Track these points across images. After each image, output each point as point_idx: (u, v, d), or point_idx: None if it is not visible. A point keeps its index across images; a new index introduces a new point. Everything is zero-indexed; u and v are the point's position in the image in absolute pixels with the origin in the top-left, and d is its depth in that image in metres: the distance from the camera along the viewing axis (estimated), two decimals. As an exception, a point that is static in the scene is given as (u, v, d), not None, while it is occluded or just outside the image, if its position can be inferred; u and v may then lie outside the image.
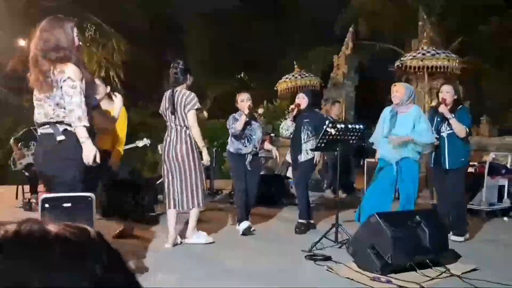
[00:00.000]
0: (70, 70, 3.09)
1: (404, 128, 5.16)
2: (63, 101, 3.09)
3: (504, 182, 7.34)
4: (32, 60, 3.18)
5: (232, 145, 5.91)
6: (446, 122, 5.40)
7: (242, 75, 20.22)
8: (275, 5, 19.03)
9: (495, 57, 13.05)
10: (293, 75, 10.17)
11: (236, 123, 5.74)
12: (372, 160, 8.37)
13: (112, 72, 13.88)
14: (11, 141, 7.81)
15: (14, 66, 13.80)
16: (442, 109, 5.33)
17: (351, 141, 5.22)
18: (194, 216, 5.01)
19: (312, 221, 5.94)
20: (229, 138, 6.00)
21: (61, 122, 3.15)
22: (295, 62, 10.64)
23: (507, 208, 7.19)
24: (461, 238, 5.29)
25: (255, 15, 18.53)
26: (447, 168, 5.43)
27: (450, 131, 5.37)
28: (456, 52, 9.31)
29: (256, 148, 5.91)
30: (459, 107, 5.48)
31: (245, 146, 5.83)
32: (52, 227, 0.69)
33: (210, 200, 8.49)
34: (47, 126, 3.20)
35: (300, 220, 5.82)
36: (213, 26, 18.99)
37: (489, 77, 13.23)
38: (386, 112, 5.39)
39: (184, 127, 4.87)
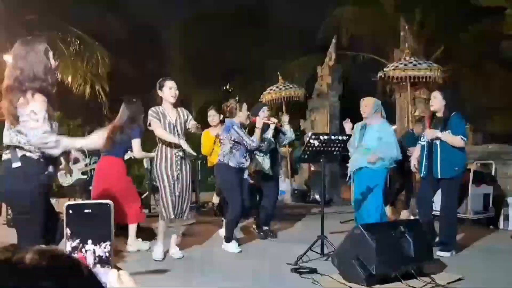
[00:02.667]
0: (35, 103, 2.99)
1: (369, 139, 5.49)
2: (24, 130, 3.00)
3: (489, 190, 7.40)
4: (6, 89, 3.07)
5: (234, 159, 5.44)
6: (440, 128, 5.18)
7: (227, 86, 20.25)
8: (255, 13, 19.13)
9: (473, 62, 13.24)
10: (277, 86, 10.20)
11: (253, 137, 5.44)
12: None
13: (97, 85, 13.80)
14: None
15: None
16: (428, 133, 5.20)
17: (335, 152, 5.24)
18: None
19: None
20: (226, 151, 5.50)
21: (20, 148, 3.07)
22: (279, 73, 10.67)
23: (492, 217, 7.24)
24: (447, 254, 5.08)
25: (236, 24, 18.60)
26: (439, 177, 5.19)
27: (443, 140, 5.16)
28: (437, 61, 9.42)
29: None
30: (452, 114, 5.25)
31: (247, 160, 5.56)
32: (29, 255, 0.68)
33: (196, 213, 8.46)
34: (7, 151, 3.13)
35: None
36: (194, 35, 19.01)
37: (468, 82, 13.40)
38: (357, 126, 5.76)
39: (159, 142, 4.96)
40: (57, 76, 3.36)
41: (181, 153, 4.84)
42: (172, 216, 4.89)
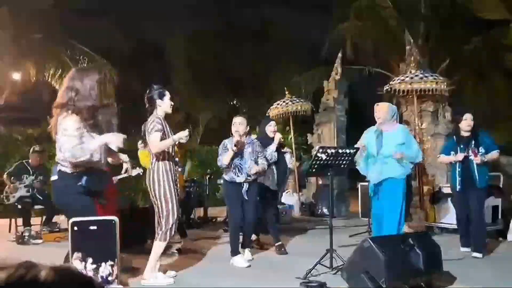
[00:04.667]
0: (69, 122, 3.45)
1: (391, 147, 5.30)
2: (61, 145, 3.47)
3: (498, 202, 7.38)
4: (56, 107, 3.56)
5: (227, 173, 5.65)
6: (472, 144, 5.76)
7: (234, 102, 20.36)
8: (261, 28, 19.27)
9: (477, 73, 13.27)
10: (284, 101, 10.26)
11: (223, 156, 5.55)
12: (365, 183, 8.42)
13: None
14: (4, 176, 7.81)
15: (7, 98, 13.84)
16: (476, 160, 5.65)
17: (342, 166, 5.25)
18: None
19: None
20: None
21: (57, 163, 3.56)
22: (285, 88, 10.74)
23: (501, 229, 7.21)
24: (479, 255, 5.66)
25: (241, 38, 18.73)
26: (479, 187, 5.74)
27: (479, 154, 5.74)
28: (443, 74, 9.45)
29: (250, 177, 5.61)
30: (479, 131, 5.90)
31: (238, 176, 5.59)
32: (42, 273, 0.71)
33: (204, 228, 8.48)
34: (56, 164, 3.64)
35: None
36: (199, 50, 19.14)
37: (472, 93, 13.41)
38: (370, 132, 5.53)
39: (154, 157, 4.64)
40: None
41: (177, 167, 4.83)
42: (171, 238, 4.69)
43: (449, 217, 7.43)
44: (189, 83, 18.92)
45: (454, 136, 6.11)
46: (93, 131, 3.61)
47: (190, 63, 19.17)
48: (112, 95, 3.73)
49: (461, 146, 5.84)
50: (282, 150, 6.47)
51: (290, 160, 6.52)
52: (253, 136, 6.69)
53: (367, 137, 5.52)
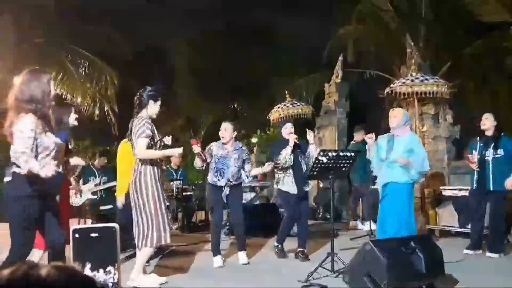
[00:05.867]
0: (22, 122, 3.34)
1: (399, 152, 5.29)
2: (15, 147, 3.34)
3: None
4: (8, 108, 3.46)
5: (210, 176, 5.73)
6: (491, 146, 5.86)
7: (235, 105, 20.36)
8: (261, 32, 19.28)
9: (479, 76, 13.27)
10: (285, 104, 10.26)
11: (196, 159, 5.48)
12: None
13: (106, 106, 13.94)
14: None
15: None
16: (509, 185, 5.72)
17: (343, 169, 5.25)
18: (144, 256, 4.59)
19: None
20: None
21: (13, 164, 3.41)
22: (286, 91, 10.75)
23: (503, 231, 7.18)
24: (496, 255, 5.80)
25: (242, 42, 18.74)
26: (491, 189, 5.84)
27: (496, 156, 5.85)
28: (444, 77, 9.45)
29: (231, 182, 5.64)
30: (502, 134, 5.96)
31: (219, 180, 5.63)
32: (44, 271, 0.71)
33: (202, 231, 8.47)
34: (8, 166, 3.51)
35: (301, 249, 5.88)
36: (200, 54, 19.16)
37: (474, 96, 13.41)
38: (383, 138, 5.52)
39: (138, 159, 4.52)
40: (53, 103, 3.69)
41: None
42: (169, 240, 4.61)
43: (450, 219, 7.42)
44: (190, 87, 18.93)
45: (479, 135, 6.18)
46: (47, 131, 3.50)
47: (191, 66, 19.18)
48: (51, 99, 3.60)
49: (481, 145, 5.99)
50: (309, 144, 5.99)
51: (315, 151, 5.75)
52: (254, 140, 6.67)
53: (380, 141, 5.50)
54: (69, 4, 13.54)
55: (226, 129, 5.69)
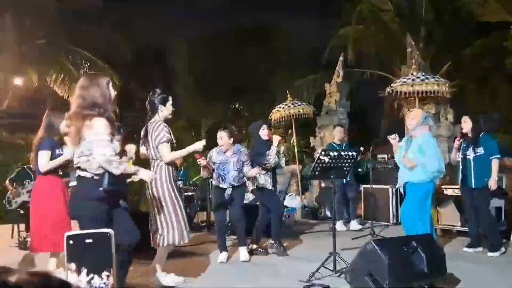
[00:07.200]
0: (98, 124, 3.36)
1: (411, 151, 5.44)
2: (87, 150, 3.34)
3: (501, 203, 7.35)
4: (72, 116, 3.46)
5: (214, 178, 5.96)
6: (472, 146, 5.98)
7: (236, 105, 20.34)
8: (262, 32, 19.29)
9: (479, 76, 13.29)
10: (286, 104, 10.27)
11: (202, 171, 5.83)
12: (368, 186, 8.42)
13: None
14: (7, 181, 7.81)
15: (10, 104, 13.88)
16: (493, 186, 5.87)
17: (345, 168, 5.26)
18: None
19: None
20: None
21: (79, 168, 3.43)
22: (287, 91, 10.76)
23: (505, 230, 7.18)
24: (496, 254, 5.79)
25: (243, 43, 18.75)
26: (473, 187, 5.96)
27: (477, 154, 5.96)
28: (444, 77, 9.45)
29: (232, 186, 5.80)
30: (481, 134, 6.00)
31: (221, 184, 5.86)
32: (14, 277, 0.70)
33: (206, 232, 8.48)
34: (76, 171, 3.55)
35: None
36: (201, 55, 19.15)
37: (474, 96, 13.42)
38: (404, 139, 5.73)
39: (156, 160, 4.57)
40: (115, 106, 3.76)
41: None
42: (187, 240, 4.69)
43: (452, 219, 7.41)
44: (191, 88, 18.92)
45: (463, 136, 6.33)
46: (115, 134, 3.51)
47: (192, 68, 19.18)
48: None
49: (464, 145, 6.15)
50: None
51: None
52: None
53: (403, 142, 5.67)
54: (70, 5, 13.55)
55: (222, 138, 5.83)
